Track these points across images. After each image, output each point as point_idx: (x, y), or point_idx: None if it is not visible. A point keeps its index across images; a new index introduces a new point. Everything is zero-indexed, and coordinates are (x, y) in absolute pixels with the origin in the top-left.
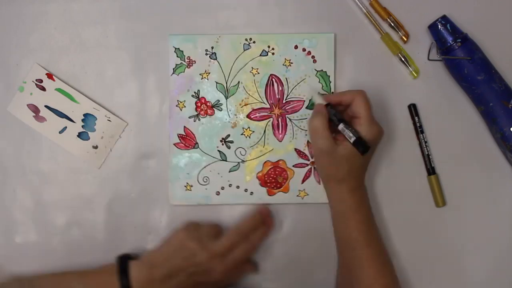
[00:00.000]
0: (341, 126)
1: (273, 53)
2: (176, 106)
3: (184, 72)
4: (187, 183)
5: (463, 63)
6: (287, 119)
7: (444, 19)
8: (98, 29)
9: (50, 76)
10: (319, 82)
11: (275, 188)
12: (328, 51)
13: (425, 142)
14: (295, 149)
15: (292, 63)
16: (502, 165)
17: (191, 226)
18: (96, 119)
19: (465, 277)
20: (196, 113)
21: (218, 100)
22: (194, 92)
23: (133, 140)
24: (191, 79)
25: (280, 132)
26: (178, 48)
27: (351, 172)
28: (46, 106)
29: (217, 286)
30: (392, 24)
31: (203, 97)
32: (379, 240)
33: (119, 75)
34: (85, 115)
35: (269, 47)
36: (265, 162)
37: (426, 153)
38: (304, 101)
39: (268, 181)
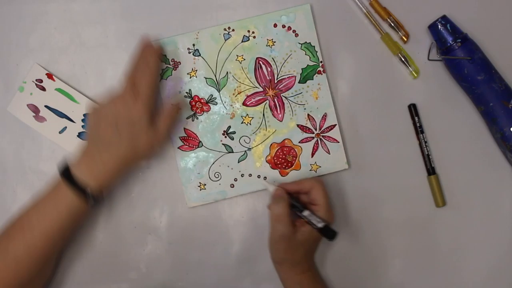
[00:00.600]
0: (306, 213)
1: (254, 37)
2: None
3: (171, 75)
4: (199, 183)
5: (463, 63)
6: (283, 98)
7: (444, 19)
8: (98, 29)
9: (50, 76)
10: (305, 54)
11: (286, 167)
12: (308, 22)
13: (425, 142)
14: (297, 125)
15: (275, 42)
16: (502, 165)
17: (92, 104)
18: None
19: (465, 277)
20: (193, 112)
21: (211, 95)
22: (186, 92)
23: None
24: (180, 80)
25: (278, 112)
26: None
27: (306, 255)
28: (46, 106)
29: (158, 137)
30: (392, 24)
31: (196, 95)
32: None
33: (119, 75)
34: (85, 115)
35: (249, 31)
36: (271, 144)
37: (426, 153)
38: (295, 76)
39: (278, 162)
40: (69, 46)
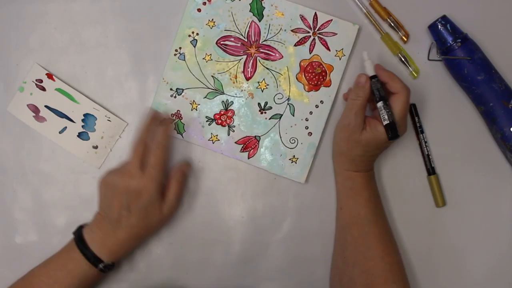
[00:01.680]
0: (380, 104)
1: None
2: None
3: (185, 124)
4: (290, 158)
5: (463, 63)
6: (263, 44)
7: (444, 19)
8: (98, 29)
9: (50, 76)
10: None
11: (318, 83)
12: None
13: (425, 142)
14: (294, 45)
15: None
16: (502, 165)
17: (103, 174)
18: (96, 119)
19: (465, 277)
20: (226, 126)
21: (223, 101)
22: (207, 121)
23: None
24: (196, 120)
25: (272, 54)
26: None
27: (363, 156)
28: (46, 106)
29: (169, 208)
30: (392, 24)
31: (215, 114)
32: (385, 219)
33: (119, 75)
34: (85, 115)
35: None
36: (296, 76)
37: (426, 153)
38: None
39: (308, 78)
40: (69, 46)
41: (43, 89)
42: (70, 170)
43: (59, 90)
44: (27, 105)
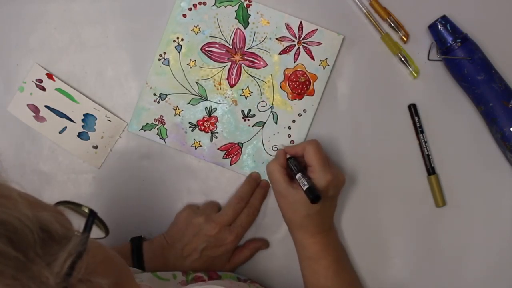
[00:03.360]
0: (298, 176)
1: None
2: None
3: (167, 129)
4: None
5: (463, 63)
6: (248, 52)
7: (444, 19)
8: (98, 29)
9: (50, 76)
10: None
11: (302, 92)
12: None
13: (425, 142)
14: (279, 53)
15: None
16: (502, 165)
17: (191, 206)
18: (96, 119)
19: (465, 277)
20: (209, 133)
21: (206, 108)
22: (189, 127)
23: (133, 140)
24: (179, 126)
25: (256, 62)
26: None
27: (309, 217)
28: (46, 106)
29: (230, 269)
30: (392, 24)
31: (198, 120)
32: (350, 283)
33: (119, 75)
34: (85, 115)
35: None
36: (280, 84)
37: (426, 153)
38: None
39: (292, 87)
40: (69, 46)
41: (43, 89)
42: (70, 170)
43: (59, 90)
44: (27, 105)
